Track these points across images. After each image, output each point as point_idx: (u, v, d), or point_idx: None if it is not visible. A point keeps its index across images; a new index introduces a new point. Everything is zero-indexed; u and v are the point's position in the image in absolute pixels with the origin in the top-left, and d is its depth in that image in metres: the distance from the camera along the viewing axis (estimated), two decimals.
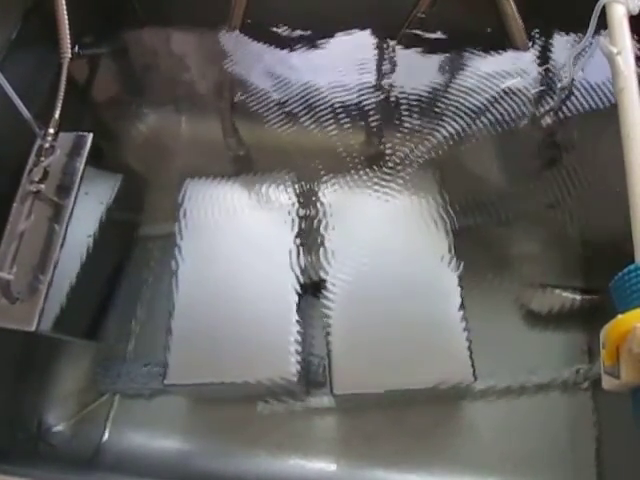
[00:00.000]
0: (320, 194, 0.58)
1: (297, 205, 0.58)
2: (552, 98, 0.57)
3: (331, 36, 0.61)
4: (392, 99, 0.61)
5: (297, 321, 0.52)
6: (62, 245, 0.49)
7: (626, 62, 0.38)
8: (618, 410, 0.49)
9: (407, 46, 0.59)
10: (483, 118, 0.64)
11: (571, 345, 0.58)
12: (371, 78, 0.61)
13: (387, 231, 0.55)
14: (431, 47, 0.60)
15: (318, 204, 0.58)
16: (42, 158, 0.50)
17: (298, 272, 0.54)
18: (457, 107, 0.65)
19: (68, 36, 0.51)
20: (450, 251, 0.53)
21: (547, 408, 0.56)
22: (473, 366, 0.48)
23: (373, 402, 0.57)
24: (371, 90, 0.62)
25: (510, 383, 0.55)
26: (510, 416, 0.56)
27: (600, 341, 0.34)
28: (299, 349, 0.51)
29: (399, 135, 0.65)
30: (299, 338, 0.52)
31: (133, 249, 0.65)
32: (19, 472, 0.48)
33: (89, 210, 0.56)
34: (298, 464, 0.56)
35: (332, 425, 0.58)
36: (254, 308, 0.53)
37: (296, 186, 0.59)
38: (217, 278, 0.55)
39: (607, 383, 0.35)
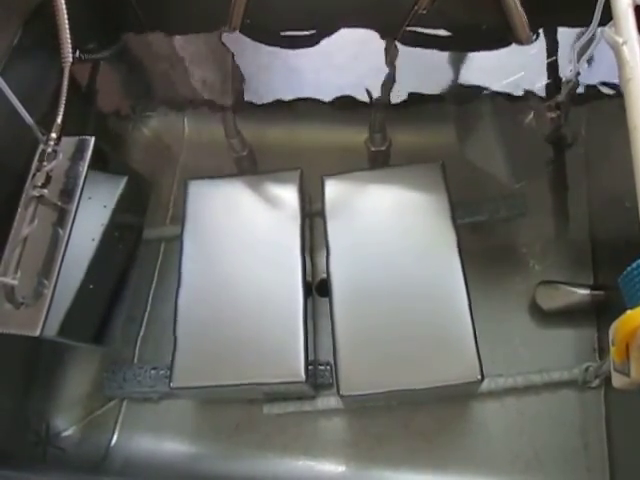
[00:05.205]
0: (324, 193, 0.58)
1: (301, 204, 0.58)
2: (557, 92, 0.56)
3: (332, 35, 0.61)
4: (395, 96, 0.61)
5: (303, 321, 0.52)
6: (66, 249, 0.49)
7: (632, 52, 0.37)
8: (630, 408, 0.49)
9: (409, 43, 0.58)
10: (487, 114, 0.63)
11: (581, 343, 0.57)
12: (373, 76, 0.60)
13: (393, 230, 0.55)
14: (433, 43, 0.59)
15: (322, 203, 0.57)
16: (45, 163, 0.51)
17: (303, 272, 0.54)
18: (460, 103, 0.65)
19: (69, 41, 0.51)
20: (457, 249, 0.52)
21: (557, 407, 0.55)
22: (481, 365, 0.48)
23: (381, 403, 0.57)
24: (373, 88, 0.61)
25: (519, 382, 0.55)
26: (520, 415, 0.55)
27: (609, 338, 0.34)
28: (306, 350, 0.51)
29: (402, 132, 0.65)
30: (306, 338, 0.51)
31: (138, 252, 0.64)
32: (28, 476, 0.48)
33: (93, 214, 0.56)
34: (306, 466, 0.56)
35: (340, 426, 0.57)
36: (260, 309, 0.53)
37: (300, 185, 0.59)
38: (222, 279, 0.55)
39: (617, 381, 0.34)
